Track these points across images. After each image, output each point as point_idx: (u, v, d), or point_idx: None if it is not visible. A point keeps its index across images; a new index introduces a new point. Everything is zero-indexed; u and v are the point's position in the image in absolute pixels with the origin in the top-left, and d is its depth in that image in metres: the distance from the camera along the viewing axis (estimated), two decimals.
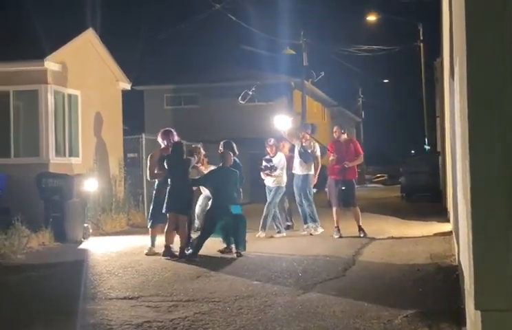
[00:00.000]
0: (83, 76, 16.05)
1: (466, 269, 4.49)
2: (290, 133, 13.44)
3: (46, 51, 14.50)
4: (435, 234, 12.39)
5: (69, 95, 15.41)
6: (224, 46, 34.76)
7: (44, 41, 14.50)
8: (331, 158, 12.54)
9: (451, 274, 7.64)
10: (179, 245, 10.05)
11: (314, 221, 13.02)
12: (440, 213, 16.17)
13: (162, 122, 34.82)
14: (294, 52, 34.06)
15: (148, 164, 11.01)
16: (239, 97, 13.75)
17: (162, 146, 10.83)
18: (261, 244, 11.49)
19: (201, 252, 10.05)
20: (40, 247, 11.63)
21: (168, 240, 10.13)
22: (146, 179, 12.81)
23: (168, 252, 10.04)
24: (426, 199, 23.84)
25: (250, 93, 13.60)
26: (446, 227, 12.97)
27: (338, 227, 12.36)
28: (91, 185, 13.31)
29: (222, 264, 9.46)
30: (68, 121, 15.30)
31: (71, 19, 18.46)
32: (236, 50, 34.72)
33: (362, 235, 12.19)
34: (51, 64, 14.49)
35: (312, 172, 13.21)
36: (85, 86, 16.07)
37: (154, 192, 10.91)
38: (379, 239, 11.90)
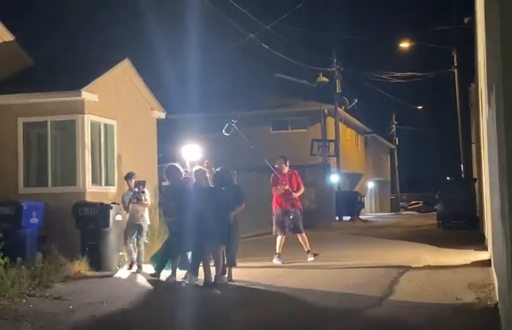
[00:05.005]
0: (119, 106, 16.26)
1: (506, 299, 4.40)
2: (195, 164, 12.77)
3: (83, 81, 14.71)
4: (473, 263, 12.16)
5: (105, 125, 15.59)
6: (258, 74, 34.93)
7: (81, 72, 14.74)
8: (285, 188, 13.16)
9: (490, 304, 7.49)
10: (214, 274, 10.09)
11: None
12: (478, 241, 15.89)
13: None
14: (327, 79, 34.11)
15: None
16: (223, 130, 13.73)
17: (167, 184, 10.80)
18: (290, 276, 11.41)
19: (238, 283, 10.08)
20: (77, 275, 11.73)
21: (207, 272, 10.12)
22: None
23: (207, 282, 10.02)
24: (463, 227, 23.46)
25: (233, 125, 13.62)
26: (484, 255, 12.74)
27: (279, 254, 13.00)
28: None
29: (251, 295, 9.42)
30: (104, 150, 15.47)
31: (108, 49, 18.74)
32: (269, 78, 34.87)
33: (312, 258, 12.93)
34: (88, 94, 14.70)
35: None
36: (121, 115, 16.27)
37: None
38: (415, 268, 11.74)
